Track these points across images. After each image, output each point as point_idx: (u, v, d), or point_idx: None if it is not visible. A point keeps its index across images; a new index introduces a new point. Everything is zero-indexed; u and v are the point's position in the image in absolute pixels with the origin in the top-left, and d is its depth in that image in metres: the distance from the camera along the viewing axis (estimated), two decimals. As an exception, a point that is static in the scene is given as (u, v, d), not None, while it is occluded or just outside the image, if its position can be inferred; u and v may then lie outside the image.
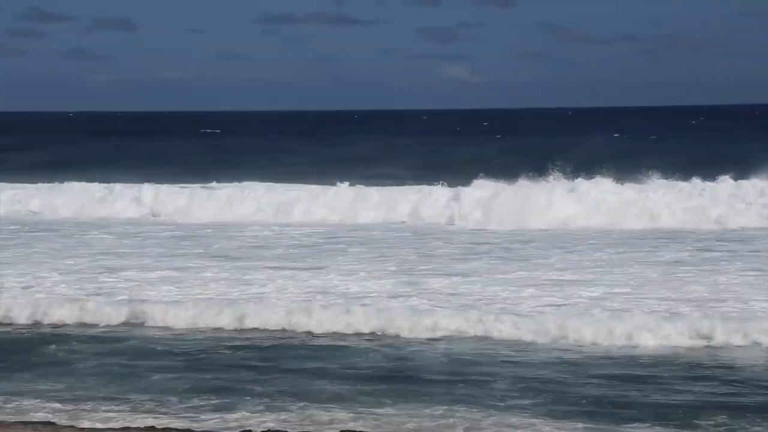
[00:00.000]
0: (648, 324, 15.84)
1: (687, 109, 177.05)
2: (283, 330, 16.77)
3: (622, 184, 31.91)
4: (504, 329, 16.13)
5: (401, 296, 18.66)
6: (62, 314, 17.76)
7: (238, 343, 16.16)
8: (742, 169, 32.62)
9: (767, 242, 25.49)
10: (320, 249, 25.22)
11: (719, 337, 15.36)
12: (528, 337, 15.87)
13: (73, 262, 22.92)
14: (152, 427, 11.78)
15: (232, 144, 76.89)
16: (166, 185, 36.81)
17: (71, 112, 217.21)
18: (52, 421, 12.16)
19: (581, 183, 31.73)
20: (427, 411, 12.38)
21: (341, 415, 12.32)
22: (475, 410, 12.41)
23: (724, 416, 12.06)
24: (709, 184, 31.75)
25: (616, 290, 18.91)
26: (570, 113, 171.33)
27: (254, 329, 16.89)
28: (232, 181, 39.86)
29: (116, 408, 12.74)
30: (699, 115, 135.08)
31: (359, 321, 16.74)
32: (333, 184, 35.65)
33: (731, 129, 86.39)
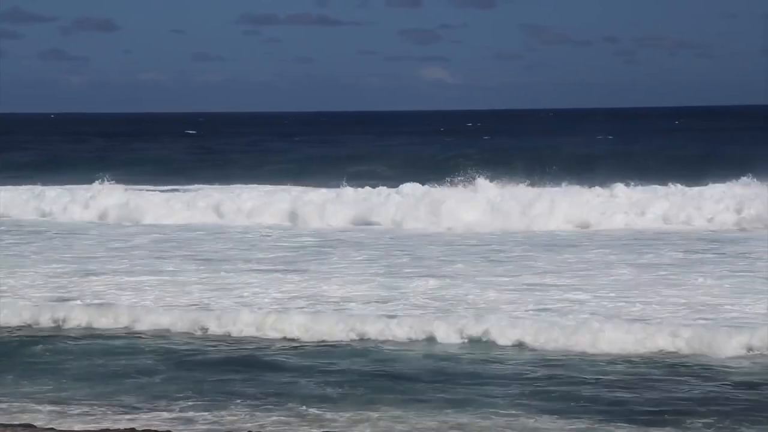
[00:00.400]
0: (630, 328, 15.79)
1: (668, 110, 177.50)
2: (264, 334, 16.60)
3: (610, 187, 31.94)
4: (484, 332, 16.02)
5: (379, 300, 18.58)
6: (43, 318, 17.65)
7: (219, 346, 16.07)
8: (725, 170, 32.72)
9: (748, 245, 25.42)
10: (302, 252, 25.08)
11: (702, 342, 15.24)
12: (508, 340, 15.78)
13: (55, 265, 22.80)
14: (132, 429, 11.74)
15: (214, 145, 76.65)
16: (149, 187, 36.71)
17: (52, 114, 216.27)
18: (31, 423, 12.08)
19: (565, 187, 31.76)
20: (418, 412, 12.36)
21: (334, 416, 12.30)
22: (469, 411, 12.43)
23: (713, 417, 12.13)
24: (687, 186, 31.76)
25: (600, 293, 18.88)
26: (552, 114, 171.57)
27: (233, 334, 16.72)
28: (215, 183, 39.89)
29: (97, 410, 12.68)
30: (681, 116, 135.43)
31: (339, 325, 16.60)
32: (316, 185, 35.64)
33: (715, 130, 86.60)
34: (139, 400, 13.07)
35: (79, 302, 18.59)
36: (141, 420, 12.25)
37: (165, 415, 12.47)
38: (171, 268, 22.35)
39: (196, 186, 39.35)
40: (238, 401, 12.95)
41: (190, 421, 12.26)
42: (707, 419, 12.06)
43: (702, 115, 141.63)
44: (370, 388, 13.46)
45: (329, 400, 12.96)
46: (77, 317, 17.60)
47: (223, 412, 12.49)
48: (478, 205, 31.00)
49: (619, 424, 11.98)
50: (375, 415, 12.30)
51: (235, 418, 12.33)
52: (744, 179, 31.54)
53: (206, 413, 12.48)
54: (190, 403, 12.89)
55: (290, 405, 12.70)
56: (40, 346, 15.99)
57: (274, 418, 12.29)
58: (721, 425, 11.90)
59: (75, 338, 16.65)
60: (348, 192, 33.44)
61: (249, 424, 12.09)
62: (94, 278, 21.08)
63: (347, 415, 12.32)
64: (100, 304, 18.35)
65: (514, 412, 12.37)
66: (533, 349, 15.44)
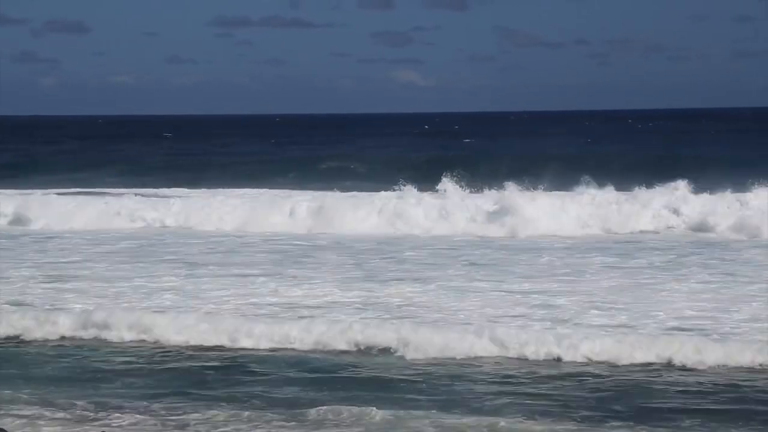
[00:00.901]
0: (606, 336, 15.62)
1: (641, 113, 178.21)
2: (234, 343, 16.28)
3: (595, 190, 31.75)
4: (456, 340, 15.73)
5: (357, 306, 18.42)
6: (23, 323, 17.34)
7: (191, 353, 15.88)
8: (701, 173, 32.70)
9: (734, 250, 25.28)
10: (276, 257, 24.81)
11: (683, 349, 15.00)
12: (482, 348, 15.51)
13: (26, 272, 22.51)
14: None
15: (188, 148, 76.41)
16: (126, 190, 36.49)
17: (24, 116, 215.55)
18: (3, 428, 11.88)
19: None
20: (408, 414, 12.35)
21: (332, 419, 12.25)
22: (457, 413, 12.39)
23: (699, 419, 12.23)
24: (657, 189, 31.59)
25: (576, 298, 18.75)
26: (526, 117, 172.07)
27: (197, 341, 16.40)
28: (188, 187, 39.71)
29: (70, 415, 12.56)
30: (653, 119, 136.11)
31: (305, 331, 16.33)
32: (292, 187, 35.46)
33: (686, 132, 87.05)
34: (119, 403, 12.95)
35: (36, 308, 18.29)
36: (125, 423, 12.18)
37: (137, 419, 12.35)
38: (144, 273, 22.14)
39: (173, 190, 39.19)
40: (223, 404, 12.87)
41: (181, 424, 12.16)
42: (694, 419, 12.17)
43: (674, 117, 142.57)
44: (356, 391, 13.42)
45: (324, 402, 12.82)
46: (50, 326, 17.24)
47: (212, 415, 12.40)
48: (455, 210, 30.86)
49: (610, 423, 12.04)
50: (371, 416, 12.23)
51: (228, 421, 12.23)
52: (727, 192, 31.06)
53: (196, 416, 12.38)
54: (178, 406, 12.79)
55: (282, 408, 12.60)
56: (18, 351, 15.95)
57: (272, 422, 12.19)
58: (708, 425, 12.01)
59: (50, 344, 16.52)
60: (318, 196, 33.21)
61: (244, 426, 12.01)
62: (67, 284, 20.80)
63: (345, 416, 12.26)
64: (74, 312, 17.98)
65: (502, 414, 12.35)
66: (509, 356, 15.22)
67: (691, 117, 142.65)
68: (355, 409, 12.44)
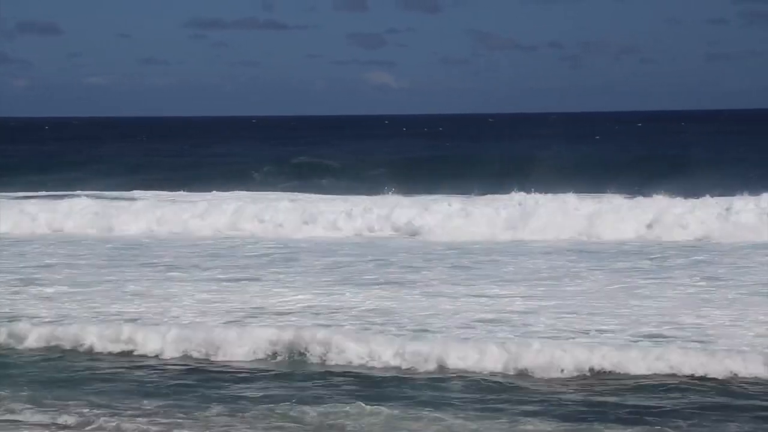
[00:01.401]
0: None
1: (619, 115, 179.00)
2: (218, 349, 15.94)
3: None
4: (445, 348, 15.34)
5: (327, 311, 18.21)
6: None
7: (181, 357, 15.70)
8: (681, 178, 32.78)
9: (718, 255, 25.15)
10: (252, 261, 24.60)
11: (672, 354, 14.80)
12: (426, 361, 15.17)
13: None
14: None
15: (165, 150, 76.25)
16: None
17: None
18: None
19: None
20: (406, 413, 12.38)
21: (331, 417, 12.22)
22: (455, 413, 12.43)
23: (696, 418, 12.34)
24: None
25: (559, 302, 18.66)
26: (509, 118, 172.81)
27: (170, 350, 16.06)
28: (167, 189, 39.56)
29: (58, 419, 12.48)
30: (632, 121, 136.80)
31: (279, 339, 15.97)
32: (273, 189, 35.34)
33: (675, 134, 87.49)
34: (108, 404, 12.93)
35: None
36: (114, 425, 12.13)
37: (144, 420, 12.29)
38: (115, 277, 21.92)
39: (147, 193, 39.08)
40: (217, 405, 12.80)
41: (175, 425, 12.11)
42: (691, 420, 12.26)
43: (649, 119, 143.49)
44: (352, 391, 13.44)
45: (314, 402, 12.79)
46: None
47: (207, 417, 12.35)
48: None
49: (605, 424, 12.11)
50: (370, 416, 12.22)
51: (224, 422, 12.16)
52: (707, 196, 31.00)
53: (189, 419, 12.31)
54: (171, 409, 12.73)
55: (280, 408, 12.52)
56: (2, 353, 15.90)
57: (271, 423, 12.13)
58: (703, 425, 12.12)
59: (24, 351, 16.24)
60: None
61: (241, 426, 11.97)
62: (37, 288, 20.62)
63: (344, 416, 12.25)
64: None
65: (499, 415, 12.41)
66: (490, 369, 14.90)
67: (666, 119, 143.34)
68: (354, 409, 12.45)
